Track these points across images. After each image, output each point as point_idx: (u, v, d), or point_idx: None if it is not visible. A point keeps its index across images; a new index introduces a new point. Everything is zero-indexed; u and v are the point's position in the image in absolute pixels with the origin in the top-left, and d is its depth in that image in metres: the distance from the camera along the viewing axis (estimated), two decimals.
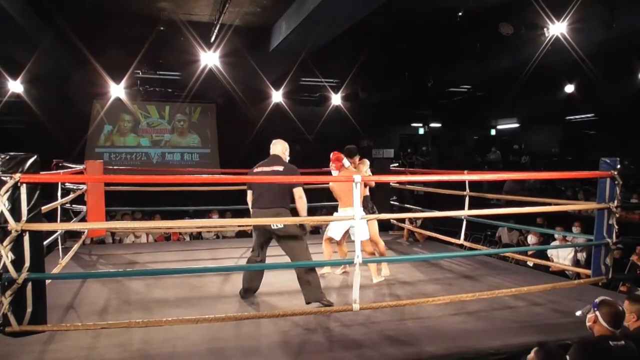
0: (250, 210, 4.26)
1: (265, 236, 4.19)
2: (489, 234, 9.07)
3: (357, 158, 5.22)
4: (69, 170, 5.57)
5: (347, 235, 4.98)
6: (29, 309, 2.95)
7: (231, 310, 3.87)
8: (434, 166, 14.95)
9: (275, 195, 4.06)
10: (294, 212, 4.14)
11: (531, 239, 7.87)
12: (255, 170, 4.26)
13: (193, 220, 7.83)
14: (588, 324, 2.69)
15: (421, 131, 17.66)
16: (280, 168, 4.15)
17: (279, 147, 4.35)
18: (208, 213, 9.01)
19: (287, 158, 4.36)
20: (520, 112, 15.58)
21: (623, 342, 2.52)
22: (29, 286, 2.94)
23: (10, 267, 2.85)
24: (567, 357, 2.48)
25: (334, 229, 4.86)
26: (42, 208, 3.21)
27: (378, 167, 7.47)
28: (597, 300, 2.72)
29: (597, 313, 2.63)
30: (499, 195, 6.84)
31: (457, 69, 11.25)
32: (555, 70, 10.27)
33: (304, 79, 12.72)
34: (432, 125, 17.45)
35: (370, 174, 5.34)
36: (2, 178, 2.85)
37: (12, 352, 3.00)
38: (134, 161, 13.55)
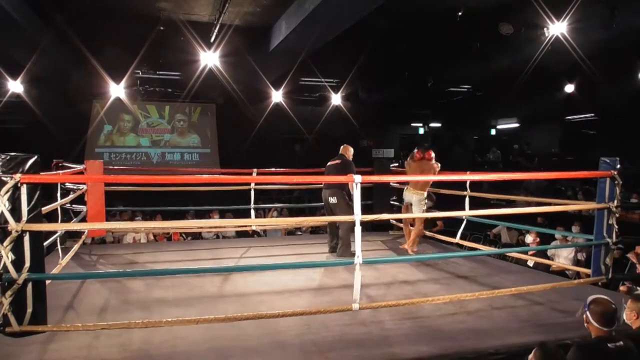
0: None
1: (329, 207, 5.79)
2: (488, 234, 9.07)
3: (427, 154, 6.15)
4: (69, 170, 5.57)
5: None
6: (29, 309, 2.95)
7: (231, 310, 3.87)
8: None
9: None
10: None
11: (528, 238, 7.87)
12: (328, 164, 5.89)
13: (193, 221, 7.85)
14: (585, 324, 2.67)
15: (421, 131, 17.67)
16: (339, 162, 5.82)
17: (343, 149, 6.02)
18: (208, 213, 9.01)
19: (349, 156, 5.94)
20: (520, 112, 15.58)
21: (622, 343, 2.47)
22: (29, 286, 2.95)
23: (11, 268, 2.85)
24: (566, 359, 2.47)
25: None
26: (43, 208, 3.22)
27: (378, 167, 7.50)
28: (588, 299, 2.68)
29: (588, 313, 2.60)
30: (499, 195, 6.84)
31: (457, 69, 11.25)
32: (555, 70, 10.27)
33: (303, 78, 12.74)
34: (432, 125, 17.46)
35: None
36: (3, 178, 2.86)
37: (12, 352, 3.00)
38: (134, 161, 13.56)
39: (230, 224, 8.01)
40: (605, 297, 2.68)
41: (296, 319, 3.56)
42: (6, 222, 2.85)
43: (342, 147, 6.08)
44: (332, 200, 5.67)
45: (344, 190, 5.66)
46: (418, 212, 5.85)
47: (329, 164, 5.91)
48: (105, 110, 13.00)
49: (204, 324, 3.31)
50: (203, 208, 8.80)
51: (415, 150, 6.21)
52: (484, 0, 8.06)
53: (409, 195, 6.00)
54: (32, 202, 2.97)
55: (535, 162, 14.43)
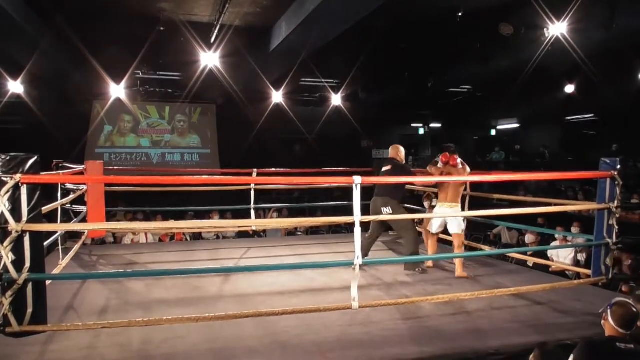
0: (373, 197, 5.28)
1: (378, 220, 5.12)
2: (488, 234, 9.07)
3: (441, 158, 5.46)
4: (69, 170, 5.57)
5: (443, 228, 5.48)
6: (30, 310, 2.95)
7: (231, 310, 3.87)
8: None
9: (386, 187, 5.15)
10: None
11: (528, 237, 7.87)
12: (382, 170, 5.39)
13: (193, 221, 7.84)
14: (602, 322, 2.67)
15: (421, 132, 17.67)
16: (389, 167, 5.27)
17: (392, 151, 5.43)
18: (208, 214, 9.01)
19: (401, 158, 5.38)
20: (520, 112, 15.58)
21: (632, 346, 2.44)
22: (30, 287, 2.94)
23: (11, 268, 2.85)
24: (572, 355, 2.47)
25: (434, 223, 5.46)
26: (43, 209, 3.22)
27: (378, 168, 7.49)
28: (614, 299, 2.68)
29: (609, 311, 2.60)
30: (499, 195, 6.83)
31: (457, 69, 11.24)
32: (555, 71, 10.26)
33: (304, 79, 12.73)
34: (433, 125, 17.45)
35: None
36: (3, 179, 2.86)
37: (12, 353, 3.00)
38: (134, 162, 13.56)
39: (231, 225, 8.01)
40: (631, 302, 2.67)
41: (296, 319, 3.56)
42: (6, 222, 2.85)
43: (390, 148, 5.46)
44: (386, 210, 5.04)
45: (398, 199, 5.16)
46: (458, 230, 5.22)
47: (383, 169, 5.39)
48: (106, 111, 13.00)
49: (204, 322, 3.31)
50: (203, 208, 8.80)
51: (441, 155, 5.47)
52: (484, 1, 8.05)
53: (443, 211, 5.24)
54: (33, 203, 2.97)
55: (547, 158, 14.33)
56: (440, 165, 5.40)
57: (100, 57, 9.61)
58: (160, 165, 13.60)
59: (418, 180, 5.59)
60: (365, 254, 5.34)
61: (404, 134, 17.52)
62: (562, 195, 10.80)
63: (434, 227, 5.44)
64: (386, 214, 5.03)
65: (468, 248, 6.35)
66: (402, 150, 5.40)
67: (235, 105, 12.43)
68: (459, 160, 5.32)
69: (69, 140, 11.60)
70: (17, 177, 2.86)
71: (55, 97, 11.83)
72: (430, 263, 5.52)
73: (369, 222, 5.69)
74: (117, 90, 11.07)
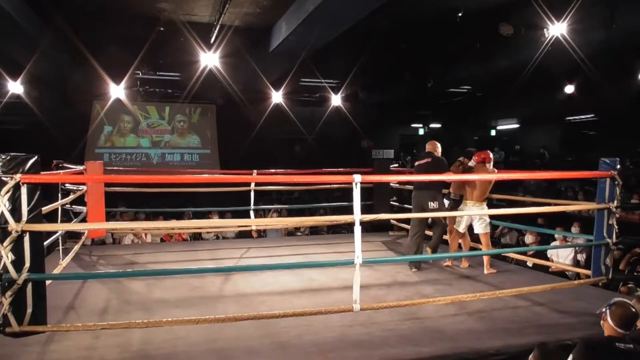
0: (413, 191, 5.48)
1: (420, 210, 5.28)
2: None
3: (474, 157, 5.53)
4: (69, 170, 5.57)
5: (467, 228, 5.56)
6: (29, 310, 2.95)
7: (231, 310, 3.87)
8: None
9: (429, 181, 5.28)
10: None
11: (528, 238, 7.87)
12: (416, 164, 5.61)
13: (194, 221, 7.83)
14: (601, 322, 2.66)
15: (421, 132, 17.68)
16: (429, 160, 5.38)
17: (430, 146, 5.54)
18: (208, 214, 9.01)
19: (438, 152, 5.49)
20: (520, 113, 15.58)
21: (631, 346, 2.44)
22: (29, 287, 2.94)
23: (11, 268, 2.85)
24: (571, 355, 2.46)
25: (462, 222, 5.54)
26: (43, 209, 3.22)
27: (378, 167, 7.50)
28: (613, 299, 2.68)
29: (608, 312, 2.60)
30: (499, 195, 6.83)
31: (457, 69, 11.24)
32: (555, 71, 10.26)
33: (303, 79, 12.73)
34: (432, 125, 17.46)
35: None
36: (3, 178, 2.86)
37: (12, 353, 3.00)
38: (134, 162, 13.56)
39: (232, 224, 8.00)
40: (629, 302, 2.67)
41: (296, 319, 3.55)
42: (6, 222, 2.85)
43: (428, 144, 5.64)
44: (433, 205, 5.20)
45: (441, 193, 5.38)
46: (483, 230, 5.26)
47: (417, 163, 5.62)
48: (105, 111, 13.01)
49: (205, 324, 3.31)
50: (203, 209, 8.80)
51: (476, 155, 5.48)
52: (484, 1, 8.06)
53: (469, 208, 5.30)
54: (33, 203, 2.97)
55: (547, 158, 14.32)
56: (472, 163, 5.47)
57: (100, 57, 9.61)
58: (160, 166, 13.60)
59: (453, 178, 5.44)
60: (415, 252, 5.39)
61: (404, 134, 17.54)
62: (562, 196, 10.80)
63: (462, 226, 5.51)
64: (433, 209, 5.19)
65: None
66: (439, 146, 5.57)
67: (235, 105, 12.43)
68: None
69: (69, 140, 11.59)
70: (17, 177, 2.86)
71: (55, 97, 11.82)
72: (449, 261, 5.62)
73: (372, 221, 5.76)
74: (117, 91, 11.06)
